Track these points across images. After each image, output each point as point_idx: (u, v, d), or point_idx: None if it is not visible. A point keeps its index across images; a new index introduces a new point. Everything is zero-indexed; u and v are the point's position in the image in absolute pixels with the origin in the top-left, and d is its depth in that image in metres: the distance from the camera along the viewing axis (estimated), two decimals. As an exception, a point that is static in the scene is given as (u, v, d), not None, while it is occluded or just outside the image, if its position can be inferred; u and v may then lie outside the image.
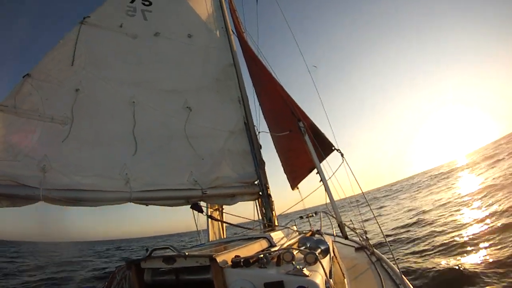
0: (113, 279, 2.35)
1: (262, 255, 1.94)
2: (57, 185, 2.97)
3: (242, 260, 1.92)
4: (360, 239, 4.93)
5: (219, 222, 5.40)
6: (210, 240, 5.22)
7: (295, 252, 1.84)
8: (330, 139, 4.64)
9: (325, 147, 4.50)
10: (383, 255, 3.82)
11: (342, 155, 4.26)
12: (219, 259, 1.92)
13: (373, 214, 3.70)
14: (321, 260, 1.85)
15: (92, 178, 3.24)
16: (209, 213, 5.02)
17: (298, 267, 1.76)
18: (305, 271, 1.74)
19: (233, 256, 2.04)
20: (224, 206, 5.25)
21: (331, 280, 1.90)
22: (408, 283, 2.59)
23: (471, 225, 8.88)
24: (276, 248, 2.58)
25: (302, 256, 1.88)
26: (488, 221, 8.65)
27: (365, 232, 4.67)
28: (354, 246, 4.74)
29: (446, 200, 15.11)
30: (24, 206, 2.88)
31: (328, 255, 2.38)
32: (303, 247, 2.27)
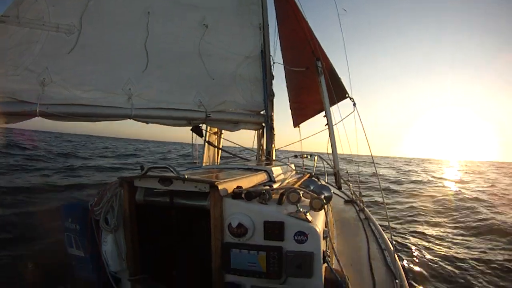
0: (103, 196, 2.20)
1: (264, 191, 1.84)
2: (56, 99, 2.83)
3: (244, 192, 1.82)
4: (351, 193, 4.98)
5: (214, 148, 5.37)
6: (204, 163, 5.23)
7: (300, 193, 1.75)
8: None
9: (338, 92, 4.35)
10: (371, 215, 3.76)
11: (354, 104, 4.13)
12: (220, 187, 1.81)
13: (375, 169, 3.52)
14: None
15: (93, 92, 3.07)
16: (207, 136, 5.00)
17: (302, 210, 1.69)
18: (308, 216, 1.67)
19: (235, 186, 1.95)
20: (223, 131, 5.24)
21: (326, 229, 1.84)
22: (395, 254, 2.49)
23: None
24: (277, 185, 2.51)
25: (305, 199, 1.81)
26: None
27: (359, 187, 4.64)
28: (343, 198, 4.78)
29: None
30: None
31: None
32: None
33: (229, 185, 1.92)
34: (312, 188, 2.27)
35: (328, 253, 1.79)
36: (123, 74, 3.30)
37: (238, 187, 1.95)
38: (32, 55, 2.81)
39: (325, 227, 1.85)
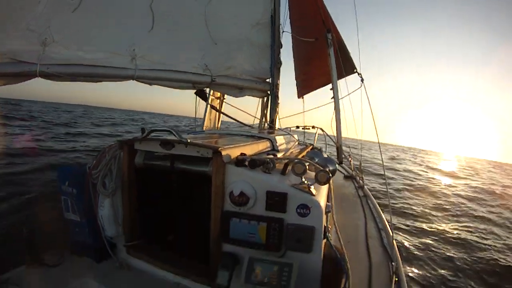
0: (101, 158, 2.11)
1: (268, 160, 1.77)
2: (57, 59, 2.70)
3: (248, 160, 1.75)
4: (352, 169, 4.93)
5: (217, 112, 5.31)
6: (205, 128, 5.17)
7: (306, 164, 1.69)
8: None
9: (347, 66, 4.27)
10: (370, 193, 3.72)
11: (362, 80, 4.06)
12: (223, 153, 1.74)
13: (380, 153, 3.43)
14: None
15: (95, 53, 2.94)
16: (210, 100, 4.93)
17: (306, 182, 1.64)
18: (312, 189, 1.62)
19: (238, 153, 1.88)
20: (226, 97, 5.17)
21: (329, 204, 1.81)
22: (392, 235, 2.44)
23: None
24: (280, 154, 2.44)
25: (309, 171, 1.76)
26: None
27: (360, 164, 4.57)
28: (343, 173, 4.74)
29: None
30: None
31: None
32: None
33: (232, 152, 1.85)
34: (317, 160, 2.19)
35: (329, 229, 1.76)
36: (127, 35, 3.17)
37: (242, 154, 1.88)
38: (34, 16, 2.66)
39: (328, 202, 1.81)
